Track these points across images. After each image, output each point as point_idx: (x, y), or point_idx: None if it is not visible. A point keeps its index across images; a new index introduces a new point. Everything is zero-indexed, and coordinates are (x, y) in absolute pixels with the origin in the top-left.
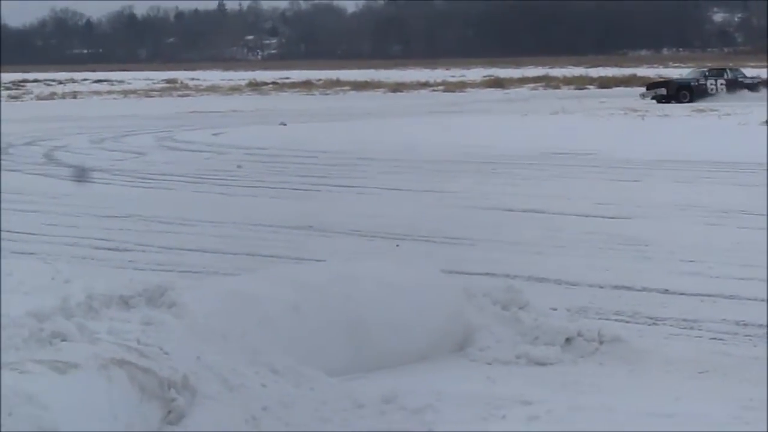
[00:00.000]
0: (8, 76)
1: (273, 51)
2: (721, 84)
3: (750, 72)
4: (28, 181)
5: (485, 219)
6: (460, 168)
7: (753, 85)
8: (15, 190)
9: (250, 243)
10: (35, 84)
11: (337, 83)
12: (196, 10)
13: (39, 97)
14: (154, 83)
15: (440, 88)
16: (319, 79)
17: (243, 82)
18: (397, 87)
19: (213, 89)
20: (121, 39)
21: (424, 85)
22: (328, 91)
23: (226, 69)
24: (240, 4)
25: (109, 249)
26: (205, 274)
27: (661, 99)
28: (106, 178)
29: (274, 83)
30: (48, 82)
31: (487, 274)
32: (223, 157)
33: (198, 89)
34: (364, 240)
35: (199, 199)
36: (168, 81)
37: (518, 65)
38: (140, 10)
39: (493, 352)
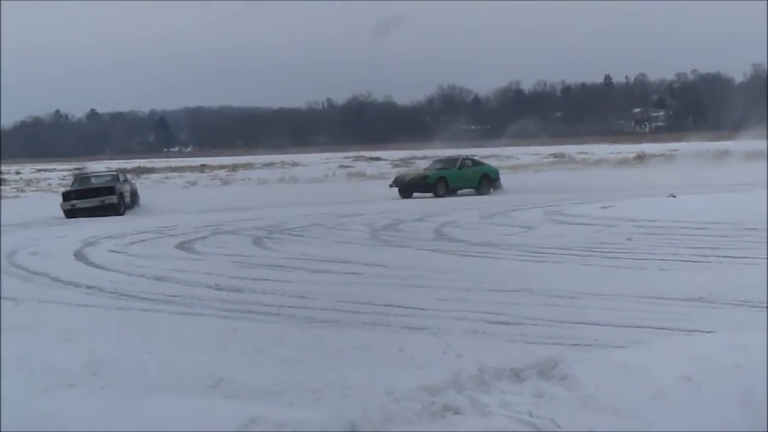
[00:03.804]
0: (397, 154)
1: (660, 123)
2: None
3: None
4: (419, 256)
5: None
6: None
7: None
8: (405, 266)
9: (640, 315)
10: (423, 161)
11: (725, 154)
12: (582, 84)
13: None
14: (541, 158)
15: None
16: (707, 150)
17: (631, 155)
18: None
19: (601, 162)
20: (509, 114)
21: None
22: (716, 163)
23: (613, 142)
24: (626, 77)
25: (499, 323)
26: (595, 347)
27: (85, 212)
28: (496, 253)
29: (662, 155)
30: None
31: None
32: (612, 229)
33: (586, 162)
34: (755, 311)
35: (588, 272)
36: (555, 155)
37: None
38: (527, 85)
39: None
